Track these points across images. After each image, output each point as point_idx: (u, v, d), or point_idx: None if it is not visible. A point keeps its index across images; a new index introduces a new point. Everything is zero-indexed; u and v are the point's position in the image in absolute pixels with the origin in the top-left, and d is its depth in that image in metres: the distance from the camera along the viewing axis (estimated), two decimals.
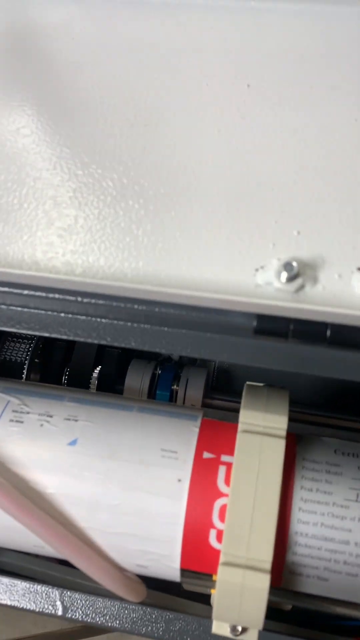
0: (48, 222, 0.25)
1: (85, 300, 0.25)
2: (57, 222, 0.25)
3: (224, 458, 0.29)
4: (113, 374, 0.45)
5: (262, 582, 0.26)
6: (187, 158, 0.25)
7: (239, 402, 0.43)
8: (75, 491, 0.29)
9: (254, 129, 0.25)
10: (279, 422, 0.29)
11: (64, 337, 0.27)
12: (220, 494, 0.28)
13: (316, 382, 0.44)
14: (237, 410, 0.44)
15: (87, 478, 0.29)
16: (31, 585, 0.32)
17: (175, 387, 0.43)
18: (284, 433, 0.29)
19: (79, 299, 0.25)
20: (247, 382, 0.32)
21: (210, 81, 0.26)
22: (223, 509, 0.28)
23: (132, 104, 0.27)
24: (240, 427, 0.29)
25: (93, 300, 0.25)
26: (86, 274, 0.23)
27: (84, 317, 0.26)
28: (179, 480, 0.28)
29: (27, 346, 0.43)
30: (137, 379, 0.43)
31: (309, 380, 0.44)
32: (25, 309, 0.26)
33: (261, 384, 0.33)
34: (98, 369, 0.45)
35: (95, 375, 0.45)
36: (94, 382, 0.44)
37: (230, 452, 0.29)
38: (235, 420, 0.32)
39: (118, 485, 0.29)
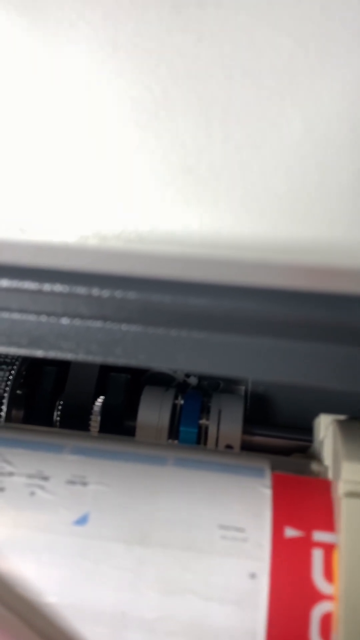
0: (37, 159, 0.15)
1: (104, 292, 0.15)
2: (48, 157, 0.14)
3: (318, 536, 0.19)
4: (121, 405, 0.34)
5: None
6: (274, 50, 0.15)
7: (290, 439, 0.33)
8: (88, 599, 0.18)
9: None
10: None
11: (69, 356, 0.16)
12: (320, 596, 0.18)
13: None
14: (285, 451, 0.34)
15: (107, 576, 0.18)
16: None
17: (204, 421, 0.33)
18: None
19: (95, 290, 0.15)
20: (335, 417, 0.22)
21: None
22: (327, 620, 0.18)
23: None
24: (342, 487, 0.19)
25: (119, 292, 0.15)
26: (120, 237, 0.13)
27: (100, 323, 0.16)
28: (253, 576, 0.18)
29: (7, 373, 0.32)
30: (153, 411, 0.33)
31: None
32: (4, 313, 0.16)
33: (351, 419, 0.23)
34: (100, 399, 0.35)
35: (97, 407, 0.34)
36: (95, 417, 0.34)
37: (326, 525, 0.19)
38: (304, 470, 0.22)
39: (155, 586, 0.18)
